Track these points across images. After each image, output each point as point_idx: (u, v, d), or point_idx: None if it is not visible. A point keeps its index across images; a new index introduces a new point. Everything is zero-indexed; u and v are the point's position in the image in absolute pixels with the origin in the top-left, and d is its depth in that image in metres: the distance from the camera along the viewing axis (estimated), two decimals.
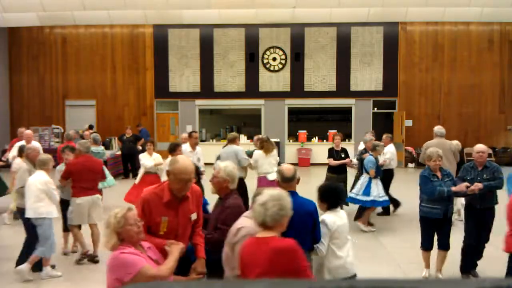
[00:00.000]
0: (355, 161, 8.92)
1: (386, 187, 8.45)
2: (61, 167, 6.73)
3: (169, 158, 7.23)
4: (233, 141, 8.09)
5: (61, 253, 6.55)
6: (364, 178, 7.86)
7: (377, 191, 7.72)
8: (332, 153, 8.74)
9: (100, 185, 9.40)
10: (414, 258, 6.49)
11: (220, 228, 3.66)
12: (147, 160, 8.24)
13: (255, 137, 9.36)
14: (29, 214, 5.61)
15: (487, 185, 5.31)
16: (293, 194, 3.64)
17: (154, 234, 3.30)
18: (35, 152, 6.19)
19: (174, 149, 7.35)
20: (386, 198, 7.89)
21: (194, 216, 3.52)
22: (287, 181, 3.84)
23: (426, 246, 5.62)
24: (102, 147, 10.21)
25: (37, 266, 5.84)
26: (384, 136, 9.42)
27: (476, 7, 15.04)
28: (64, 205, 6.46)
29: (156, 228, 3.32)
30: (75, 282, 5.71)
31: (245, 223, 3.26)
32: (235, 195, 3.89)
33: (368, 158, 7.85)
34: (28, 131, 8.83)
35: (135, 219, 2.97)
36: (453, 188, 5.29)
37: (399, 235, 7.69)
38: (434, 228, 5.50)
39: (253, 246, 2.78)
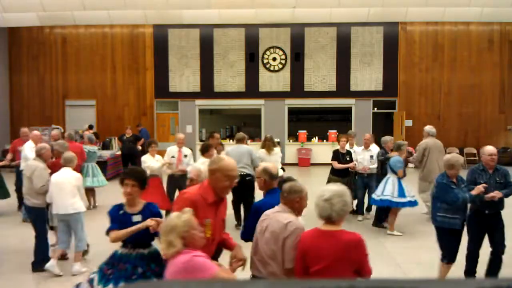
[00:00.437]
0: (357, 164, 8.68)
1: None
2: None
3: (201, 159, 7.27)
4: (241, 140, 8.27)
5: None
6: (392, 179, 7.60)
7: (408, 191, 7.61)
8: (337, 156, 8.52)
9: (95, 183, 9.48)
10: (414, 258, 6.50)
11: None
12: (152, 162, 7.96)
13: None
14: (66, 210, 5.80)
15: (506, 193, 5.16)
16: (276, 190, 3.97)
17: None
18: (49, 151, 6.35)
19: (206, 149, 7.39)
20: (416, 197, 7.79)
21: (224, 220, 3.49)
22: (274, 178, 4.18)
23: (451, 258, 5.20)
24: (96, 147, 10.29)
25: (40, 265, 5.90)
26: (368, 135, 9.40)
27: (476, 7, 15.04)
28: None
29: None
30: (75, 282, 5.70)
31: (290, 217, 3.32)
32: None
33: (396, 158, 7.63)
34: (36, 132, 8.91)
35: (197, 223, 2.88)
36: (473, 192, 5.02)
37: (399, 235, 7.69)
38: (455, 238, 5.15)
39: (319, 239, 2.99)
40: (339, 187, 3.09)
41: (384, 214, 7.98)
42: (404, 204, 7.54)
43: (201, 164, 6.91)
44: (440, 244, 5.28)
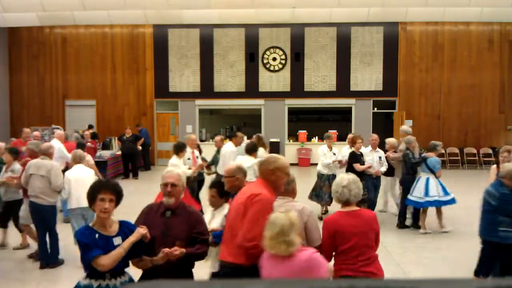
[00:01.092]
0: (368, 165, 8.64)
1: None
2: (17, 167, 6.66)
3: (250, 159, 7.21)
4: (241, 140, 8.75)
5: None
6: (432, 179, 7.70)
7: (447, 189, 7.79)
8: (357, 158, 8.35)
9: None
10: (414, 258, 6.50)
11: (205, 239, 3.50)
12: (183, 166, 7.41)
13: (218, 138, 9.71)
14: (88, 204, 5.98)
15: None
16: None
17: None
18: (54, 150, 6.57)
19: (254, 149, 7.46)
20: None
21: None
22: (245, 176, 4.46)
23: (487, 274, 4.91)
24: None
25: (57, 260, 5.98)
26: (375, 136, 9.34)
27: (476, 7, 15.04)
28: (16, 205, 6.64)
29: None
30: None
31: (299, 204, 3.58)
32: (185, 203, 3.71)
33: (435, 159, 7.76)
34: (61, 131, 9.17)
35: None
36: None
37: (399, 235, 7.70)
38: (509, 255, 4.78)
39: (346, 220, 3.50)
40: (352, 176, 3.64)
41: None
42: (451, 202, 7.72)
43: (251, 164, 6.79)
44: (484, 260, 4.93)
